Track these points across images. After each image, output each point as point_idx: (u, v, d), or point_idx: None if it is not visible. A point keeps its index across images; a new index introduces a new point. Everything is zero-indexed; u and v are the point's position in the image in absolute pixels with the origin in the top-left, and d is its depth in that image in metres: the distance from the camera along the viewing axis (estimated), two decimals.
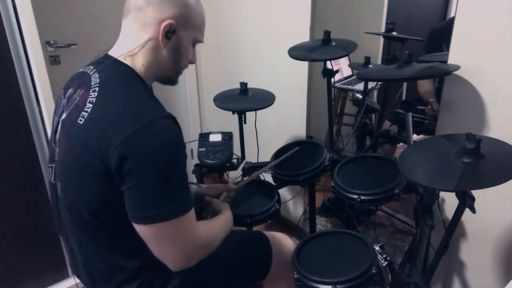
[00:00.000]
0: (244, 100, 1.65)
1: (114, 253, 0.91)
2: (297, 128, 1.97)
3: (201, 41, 0.97)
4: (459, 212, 1.01)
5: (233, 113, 1.64)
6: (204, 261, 1.01)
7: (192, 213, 0.85)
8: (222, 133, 1.65)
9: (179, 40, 0.90)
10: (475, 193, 0.97)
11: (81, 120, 0.83)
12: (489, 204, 1.19)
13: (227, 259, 1.09)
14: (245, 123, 1.68)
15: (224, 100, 1.66)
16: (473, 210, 0.96)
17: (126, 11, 0.89)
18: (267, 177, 1.56)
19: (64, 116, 0.90)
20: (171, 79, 0.99)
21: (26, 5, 1.49)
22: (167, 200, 0.79)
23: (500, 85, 1.17)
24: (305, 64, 1.80)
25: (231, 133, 1.65)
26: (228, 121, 1.86)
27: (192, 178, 2.00)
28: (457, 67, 1.21)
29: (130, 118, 0.78)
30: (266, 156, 1.59)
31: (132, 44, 0.88)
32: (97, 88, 0.85)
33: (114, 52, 0.91)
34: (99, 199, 0.83)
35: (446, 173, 0.91)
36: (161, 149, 0.78)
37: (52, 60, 1.98)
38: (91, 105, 0.83)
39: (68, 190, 0.89)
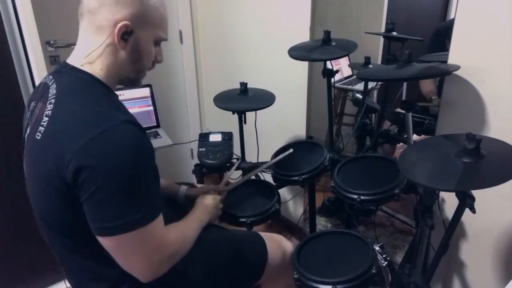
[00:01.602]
0: (244, 100, 1.65)
1: (95, 263, 0.89)
2: (297, 128, 1.97)
3: (165, 39, 0.92)
4: (459, 212, 1.01)
5: (233, 113, 1.64)
6: (197, 262, 1.00)
7: (158, 221, 0.81)
8: (222, 133, 1.65)
9: (137, 41, 0.86)
10: (475, 193, 0.97)
11: (38, 136, 0.80)
12: (489, 204, 1.19)
13: (221, 260, 1.09)
14: (245, 123, 1.68)
15: (224, 100, 1.66)
16: (473, 210, 0.96)
17: (80, 15, 0.86)
18: (267, 177, 1.56)
19: (28, 131, 0.87)
20: (133, 81, 0.94)
21: (26, 5, 1.49)
22: (126, 210, 0.76)
23: (500, 85, 1.17)
24: (305, 64, 1.80)
25: (231, 133, 1.65)
26: (228, 121, 1.86)
27: (192, 178, 2.00)
28: (457, 67, 1.20)
29: (84, 128, 0.75)
30: (266, 156, 1.59)
31: (89, 49, 0.85)
32: (53, 100, 0.81)
33: (71, 59, 0.87)
34: (66, 212, 0.81)
35: (446, 173, 0.91)
36: (117, 156, 0.74)
37: (52, 60, 1.98)
38: (47, 119, 0.80)
39: (37, 203, 0.87)
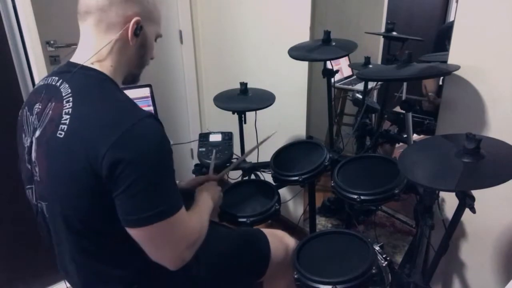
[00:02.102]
0: (244, 100, 1.65)
1: (109, 266, 0.90)
2: (297, 128, 1.97)
3: (161, 35, 0.97)
4: (459, 212, 1.01)
5: (233, 113, 1.64)
6: (200, 260, 1.00)
7: (183, 209, 0.85)
8: (222, 133, 1.65)
9: (145, 36, 0.90)
10: (475, 193, 0.97)
11: (60, 134, 0.79)
12: (489, 204, 1.19)
13: (224, 257, 1.09)
14: (245, 123, 1.68)
15: (224, 100, 1.66)
16: (473, 210, 0.96)
17: (85, 14, 0.86)
18: (267, 177, 1.56)
19: (38, 133, 0.85)
20: (136, 76, 0.97)
21: (26, 5, 1.49)
22: (158, 201, 0.79)
23: (500, 85, 1.17)
24: (305, 64, 1.80)
25: (231, 133, 1.65)
26: (228, 121, 1.86)
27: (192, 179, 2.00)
28: (457, 67, 1.20)
29: (113, 123, 0.77)
30: (266, 156, 1.59)
31: (97, 48, 0.85)
32: (70, 98, 0.81)
33: (78, 59, 0.87)
34: (93, 211, 0.82)
35: (446, 173, 0.91)
36: (149, 149, 0.78)
37: (52, 60, 1.98)
38: (68, 116, 0.80)
39: (57, 206, 0.86)
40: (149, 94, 1.93)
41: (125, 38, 0.86)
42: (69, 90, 0.83)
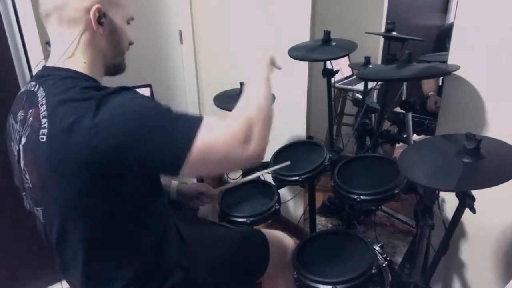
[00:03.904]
0: None
1: (110, 266, 0.89)
2: (297, 128, 1.96)
3: (132, 17, 0.93)
4: (459, 212, 1.01)
5: None
6: (199, 261, 1.00)
7: (206, 118, 0.80)
8: None
9: (112, 23, 0.87)
10: (475, 193, 0.97)
11: (42, 138, 0.78)
12: (489, 204, 1.19)
13: (223, 258, 1.09)
14: None
15: (224, 100, 1.66)
16: (473, 210, 0.96)
17: (45, 16, 0.85)
18: (267, 177, 1.56)
19: (23, 140, 0.84)
20: (119, 66, 0.95)
21: (26, 5, 1.50)
22: (177, 129, 0.76)
23: (500, 85, 1.17)
24: (305, 64, 1.79)
25: None
26: None
27: (192, 179, 2.00)
28: (457, 67, 1.20)
29: (85, 106, 0.75)
30: (266, 156, 1.59)
31: (66, 45, 0.84)
32: (44, 101, 0.80)
33: (51, 62, 0.86)
34: (89, 205, 0.81)
35: (446, 173, 0.91)
36: (132, 105, 0.76)
37: None
38: (45, 119, 0.78)
39: (54, 209, 0.85)
40: (149, 94, 1.93)
41: (91, 30, 0.84)
42: (44, 94, 0.81)
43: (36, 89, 0.84)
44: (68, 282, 1.01)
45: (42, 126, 0.78)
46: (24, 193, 0.92)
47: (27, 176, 0.85)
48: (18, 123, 0.86)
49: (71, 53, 0.84)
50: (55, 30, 0.85)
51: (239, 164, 0.83)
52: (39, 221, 0.90)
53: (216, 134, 0.78)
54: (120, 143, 0.74)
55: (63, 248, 0.90)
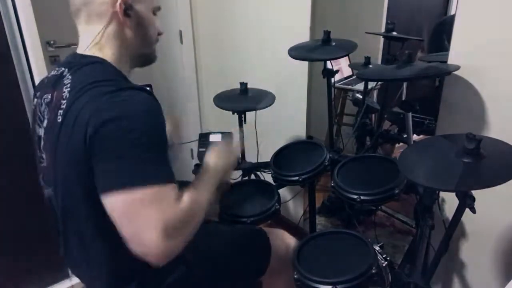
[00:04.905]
0: (244, 100, 1.65)
1: (110, 259, 0.89)
2: (297, 128, 1.97)
3: (159, 7, 0.95)
4: (459, 212, 1.01)
5: (233, 113, 1.64)
6: (200, 259, 1.00)
7: (173, 186, 0.77)
8: (222, 133, 1.64)
9: (139, 14, 0.89)
10: (475, 193, 0.97)
11: (59, 118, 0.81)
12: (489, 204, 1.19)
13: (224, 256, 1.09)
14: (245, 123, 1.68)
15: (224, 100, 1.66)
16: (473, 210, 0.96)
17: (75, 13, 0.88)
18: (267, 177, 1.56)
19: (45, 123, 0.88)
20: (148, 56, 0.97)
21: (26, 5, 1.50)
22: (145, 166, 0.75)
23: (500, 85, 1.17)
24: (305, 64, 1.79)
25: (231, 133, 1.65)
26: (228, 121, 1.86)
27: (192, 178, 2.00)
28: (457, 67, 1.20)
29: (99, 93, 0.77)
30: (266, 156, 1.59)
31: (94, 37, 0.87)
32: (69, 84, 0.83)
33: (80, 50, 0.90)
34: (89, 192, 0.79)
35: (446, 173, 0.91)
36: (136, 110, 0.76)
37: (52, 60, 1.98)
38: (65, 101, 0.82)
39: (59, 190, 0.86)
40: None
41: (118, 22, 0.87)
42: (70, 77, 0.85)
43: (64, 74, 0.87)
44: (74, 272, 1.02)
45: (61, 107, 0.82)
46: (41, 176, 0.94)
47: (44, 156, 0.89)
48: (44, 105, 0.90)
49: (100, 44, 0.87)
50: (85, 25, 0.88)
51: (149, 249, 0.73)
52: (50, 201, 0.92)
53: (157, 206, 0.73)
54: (98, 141, 0.74)
55: (68, 237, 0.91)
